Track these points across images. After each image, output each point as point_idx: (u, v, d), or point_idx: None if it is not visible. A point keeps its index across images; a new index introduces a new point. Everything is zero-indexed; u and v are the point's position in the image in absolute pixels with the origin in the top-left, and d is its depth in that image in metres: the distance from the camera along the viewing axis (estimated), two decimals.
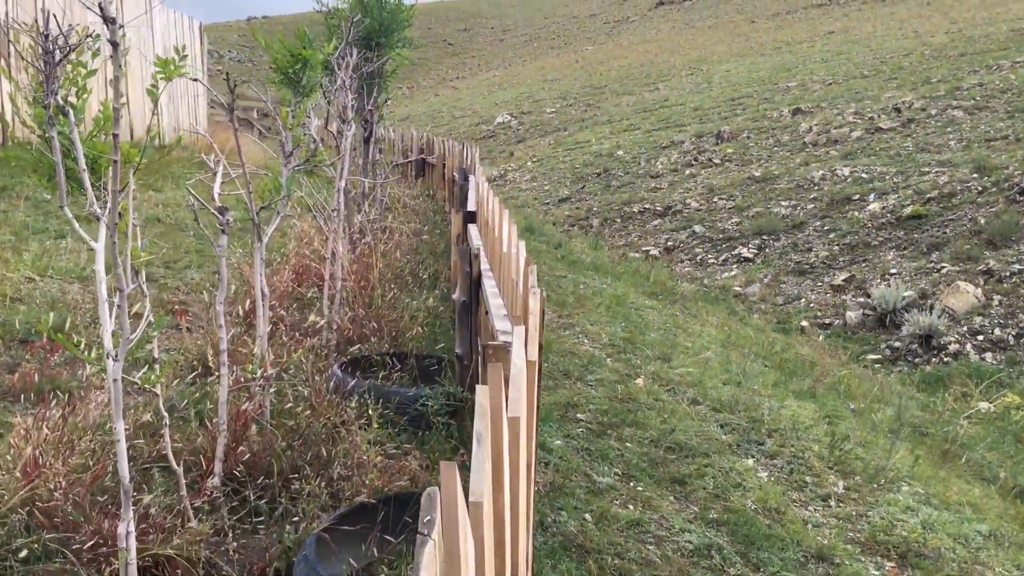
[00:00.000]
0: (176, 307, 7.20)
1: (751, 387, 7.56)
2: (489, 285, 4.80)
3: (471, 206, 7.31)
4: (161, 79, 3.21)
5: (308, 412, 4.54)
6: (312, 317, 6.17)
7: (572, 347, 7.71)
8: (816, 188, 19.94)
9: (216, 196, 3.82)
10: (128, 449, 3.97)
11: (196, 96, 20.37)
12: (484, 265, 5.20)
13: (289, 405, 4.60)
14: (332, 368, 5.34)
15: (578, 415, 5.92)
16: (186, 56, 3.19)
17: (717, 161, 24.53)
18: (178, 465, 3.94)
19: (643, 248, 20.60)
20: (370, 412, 4.57)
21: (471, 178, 8.54)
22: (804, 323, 14.64)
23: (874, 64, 32.46)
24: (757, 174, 22.03)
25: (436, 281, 8.14)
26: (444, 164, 15.50)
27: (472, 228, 6.80)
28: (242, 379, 4.54)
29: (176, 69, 3.18)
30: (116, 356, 2.94)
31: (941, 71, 27.79)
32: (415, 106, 59.25)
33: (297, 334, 6.01)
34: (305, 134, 4.65)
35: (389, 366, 5.58)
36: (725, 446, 5.75)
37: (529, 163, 30.87)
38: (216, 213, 3.80)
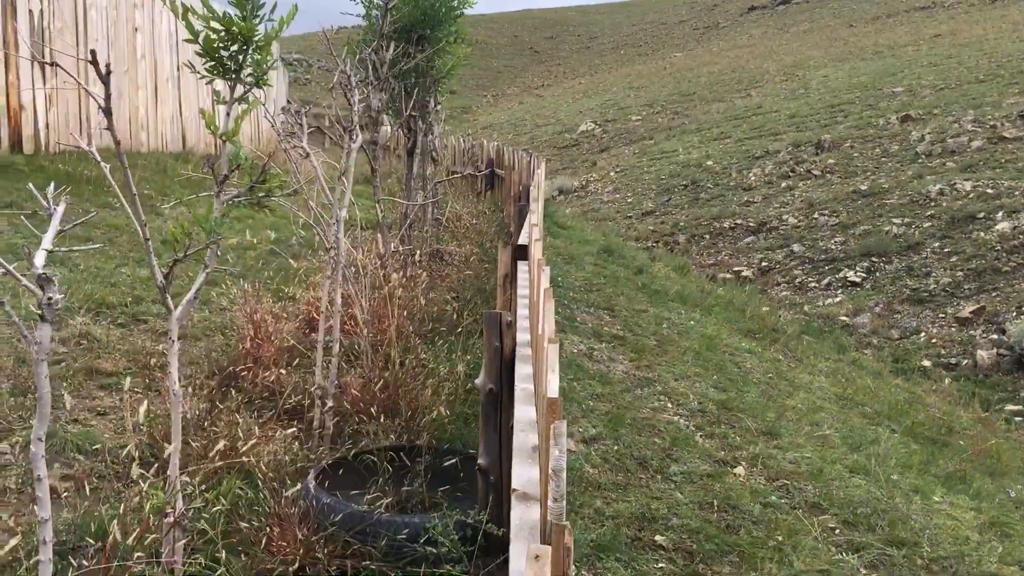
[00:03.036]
0: (150, 359, 5.75)
1: (886, 474, 5.78)
2: (522, 374, 3.20)
3: (522, 237, 5.73)
4: None
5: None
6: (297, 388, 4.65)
7: (651, 417, 6.03)
8: (933, 204, 17.76)
9: (39, 259, 2.32)
10: None
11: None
12: (523, 335, 3.60)
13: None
14: (306, 480, 3.80)
15: (656, 537, 4.25)
16: None
17: (817, 173, 22.41)
18: None
19: (734, 268, 18.69)
20: None
21: (532, 199, 6.96)
22: (926, 362, 12.62)
23: (990, 68, 29.75)
24: (863, 187, 19.89)
25: (476, 335, 6.55)
26: (512, 177, 13.97)
27: (522, 268, 5.21)
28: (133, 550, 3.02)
29: None
30: None
31: None
32: (498, 114, 58.01)
33: (278, 414, 4.50)
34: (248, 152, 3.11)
35: (392, 470, 4.02)
36: None
37: (612, 173, 29.13)
38: (33, 287, 2.31)
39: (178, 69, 15.46)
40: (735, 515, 4.64)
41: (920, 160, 20.83)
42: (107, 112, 2.59)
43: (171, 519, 2.92)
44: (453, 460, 4.13)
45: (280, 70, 23.18)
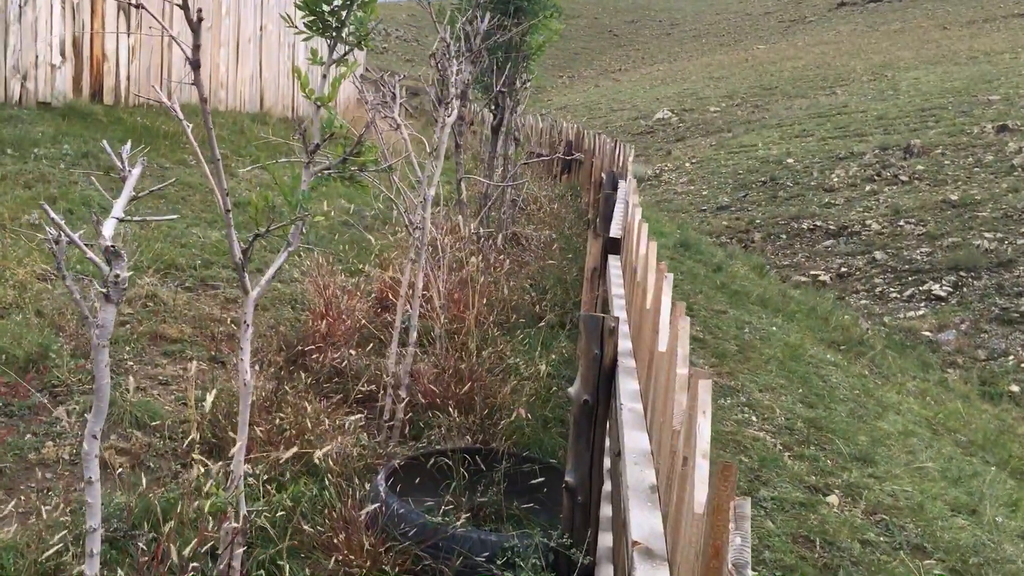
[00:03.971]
0: (216, 328, 5.52)
1: (990, 515, 5.31)
2: (628, 390, 2.84)
3: (615, 230, 5.35)
4: None
5: None
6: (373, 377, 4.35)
7: (735, 431, 5.64)
8: None
9: (107, 229, 2.02)
10: None
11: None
12: (624, 344, 3.25)
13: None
14: (376, 480, 3.51)
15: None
16: None
17: (904, 178, 21.54)
18: None
19: (811, 272, 18.06)
20: None
21: (620, 189, 6.56)
22: (1014, 387, 11.96)
23: None
24: (953, 198, 19.03)
25: (558, 330, 6.18)
26: (593, 162, 13.54)
27: (614, 263, 4.85)
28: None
29: None
30: None
31: None
32: (574, 96, 57.31)
33: (348, 400, 4.21)
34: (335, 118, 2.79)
35: (467, 475, 3.71)
36: None
37: (687, 164, 28.47)
38: (97, 260, 2.02)
39: (260, 29, 15.31)
40: (832, 553, 4.25)
41: (1016, 173, 19.89)
42: (195, 65, 2.29)
43: (232, 525, 2.64)
44: (531, 466, 3.80)
45: None
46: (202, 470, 3.04)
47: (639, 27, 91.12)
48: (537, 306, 6.45)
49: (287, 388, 4.28)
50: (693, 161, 28.81)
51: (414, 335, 4.35)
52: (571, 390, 3.21)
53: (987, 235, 16.85)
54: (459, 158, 6.58)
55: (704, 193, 24.63)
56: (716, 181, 25.45)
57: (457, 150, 6.57)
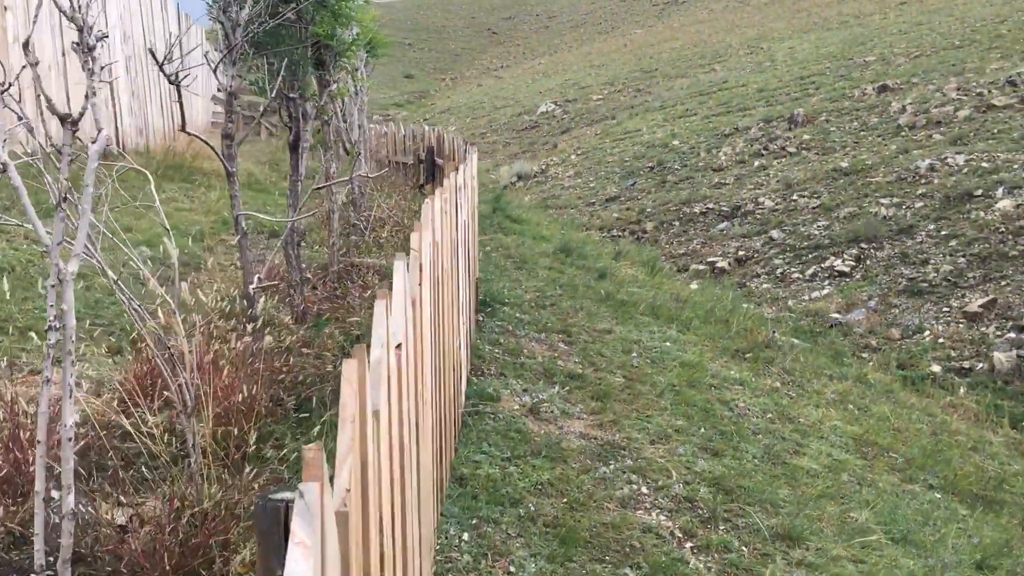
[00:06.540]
0: None
1: None
2: None
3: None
4: None
5: None
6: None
7: (619, 520, 4.21)
8: (924, 181, 16.09)
9: None
10: None
11: (171, 91, 17.24)
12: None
13: None
14: None
15: None
16: None
17: (792, 149, 20.70)
18: None
19: (708, 259, 16.96)
20: None
21: (418, 229, 4.96)
22: (935, 367, 10.95)
23: (964, 33, 28.22)
24: (844, 164, 18.18)
25: None
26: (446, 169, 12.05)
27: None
28: None
29: None
30: None
31: None
32: (457, 97, 55.92)
33: None
34: None
35: None
36: None
37: (573, 156, 27.30)
38: None
39: (63, 54, 13.38)
40: None
41: (903, 133, 19.19)
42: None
43: None
44: None
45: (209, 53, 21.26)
46: None
47: (517, 23, 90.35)
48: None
49: None
50: (579, 152, 27.67)
51: (70, 499, 2.73)
52: None
53: (883, 201, 15.98)
54: (234, 190, 5.00)
55: (592, 185, 23.44)
56: (603, 171, 24.31)
57: (230, 179, 5.00)
